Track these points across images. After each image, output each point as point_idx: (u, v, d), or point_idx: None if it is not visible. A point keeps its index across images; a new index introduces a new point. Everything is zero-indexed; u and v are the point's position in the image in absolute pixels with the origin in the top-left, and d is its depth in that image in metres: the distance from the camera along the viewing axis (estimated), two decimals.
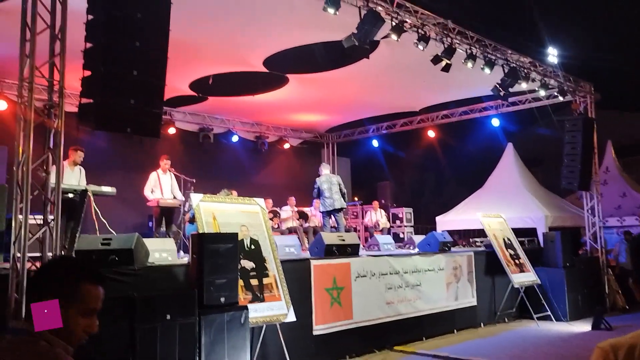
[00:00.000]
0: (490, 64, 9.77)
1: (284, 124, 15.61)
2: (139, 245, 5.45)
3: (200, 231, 5.92)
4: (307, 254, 7.73)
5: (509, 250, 10.31)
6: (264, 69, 10.40)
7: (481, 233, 10.60)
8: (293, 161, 16.40)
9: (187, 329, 4.90)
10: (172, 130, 13.09)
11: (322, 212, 10.21)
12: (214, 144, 14.02)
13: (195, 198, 6.33)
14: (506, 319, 10.13)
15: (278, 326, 6.12)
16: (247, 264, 6.17)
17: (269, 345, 6.19)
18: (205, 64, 10.16)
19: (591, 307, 10.03)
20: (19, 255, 4.54)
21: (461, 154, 17.87)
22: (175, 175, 9.24)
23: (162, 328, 4.74)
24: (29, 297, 1.68)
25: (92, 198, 6.83)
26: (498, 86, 10.40)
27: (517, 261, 10.20)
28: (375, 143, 16.79)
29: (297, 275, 6.80)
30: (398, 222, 15.56)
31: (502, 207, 12.38)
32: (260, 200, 7.05)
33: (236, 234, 5.72)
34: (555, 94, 11.84)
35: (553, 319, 9.89)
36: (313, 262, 7.04)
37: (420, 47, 8.60)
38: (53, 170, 4.98)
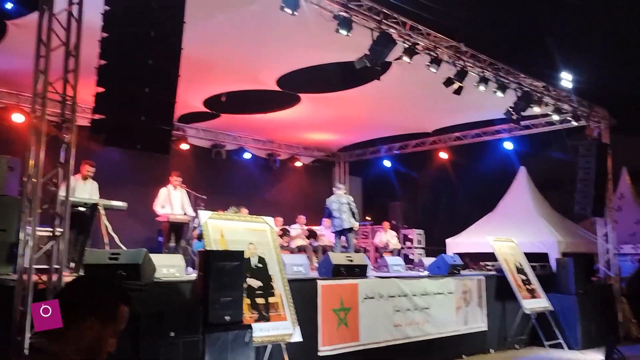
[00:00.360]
0: (503, 87, 9.73)
1: (296, 142, 15.65)
2: (147, 261, 5.46)
3: (208, 248, 5.92)
4: (315, 274, 7.69)
5: (521, 275, 10.13)
6: (277, 88, 10.49)
7: (492, 256, 10.45)
8: (304, 179, 16.38)
9: (191, 347, 4.87)
10: (185, 146, 13.23)
11: (334, 232, 10.19)
12: (226, 161, 14.10)
13: (204, 215, 6.34)
14: (517, 346, 9.92)
15: (283, 346, 6.07)
16: (254, 283, 6.14)
17: None
18: (220, 82, 10.28)
19: (604, 336, 9.79)
20: (25, 266, 4.57)
21: (474, 176, 17.72)
22: (187, 191, 9.29)
23: (165, 345, 4.72)
24: (64, 316, 1.66)
25: (102, 212, 6.89)
26: (511, 110, 10.35)
27: (528, 287, 10.02)
28: (387, 163, 16.69)
29: (304, 295, 6.75)
30: (408, 243, 15.40)
31: (514, 230, 12.20)
32: (269, 219, 7.04)
33: (242, 252, 5.70)
34: (569, 118, 11.76)
35: (565, 347, 9.68)
36: (320, 282, 6.98)
37: (433, 69, 8.62)
38: (64, 184, 5.03)
